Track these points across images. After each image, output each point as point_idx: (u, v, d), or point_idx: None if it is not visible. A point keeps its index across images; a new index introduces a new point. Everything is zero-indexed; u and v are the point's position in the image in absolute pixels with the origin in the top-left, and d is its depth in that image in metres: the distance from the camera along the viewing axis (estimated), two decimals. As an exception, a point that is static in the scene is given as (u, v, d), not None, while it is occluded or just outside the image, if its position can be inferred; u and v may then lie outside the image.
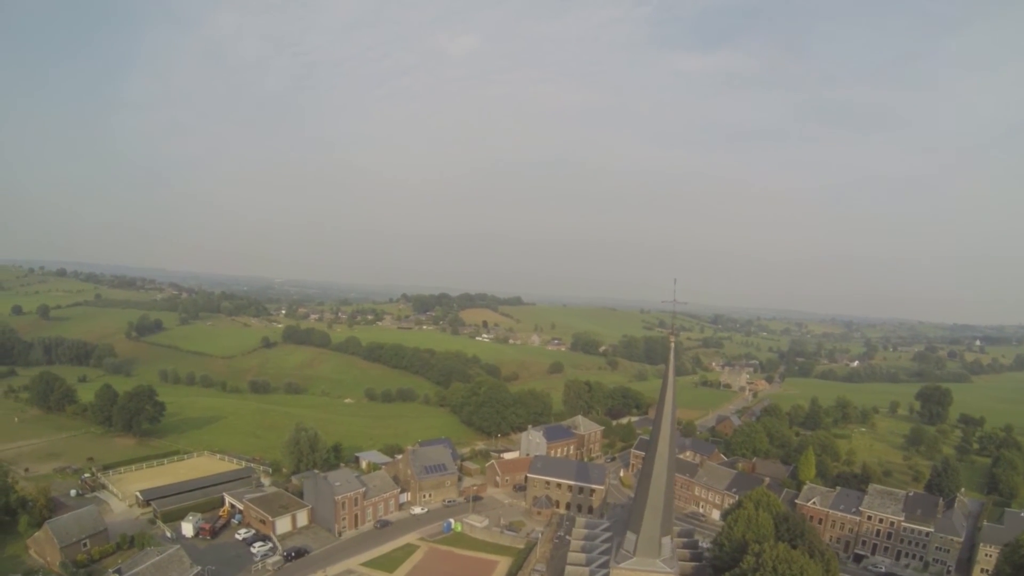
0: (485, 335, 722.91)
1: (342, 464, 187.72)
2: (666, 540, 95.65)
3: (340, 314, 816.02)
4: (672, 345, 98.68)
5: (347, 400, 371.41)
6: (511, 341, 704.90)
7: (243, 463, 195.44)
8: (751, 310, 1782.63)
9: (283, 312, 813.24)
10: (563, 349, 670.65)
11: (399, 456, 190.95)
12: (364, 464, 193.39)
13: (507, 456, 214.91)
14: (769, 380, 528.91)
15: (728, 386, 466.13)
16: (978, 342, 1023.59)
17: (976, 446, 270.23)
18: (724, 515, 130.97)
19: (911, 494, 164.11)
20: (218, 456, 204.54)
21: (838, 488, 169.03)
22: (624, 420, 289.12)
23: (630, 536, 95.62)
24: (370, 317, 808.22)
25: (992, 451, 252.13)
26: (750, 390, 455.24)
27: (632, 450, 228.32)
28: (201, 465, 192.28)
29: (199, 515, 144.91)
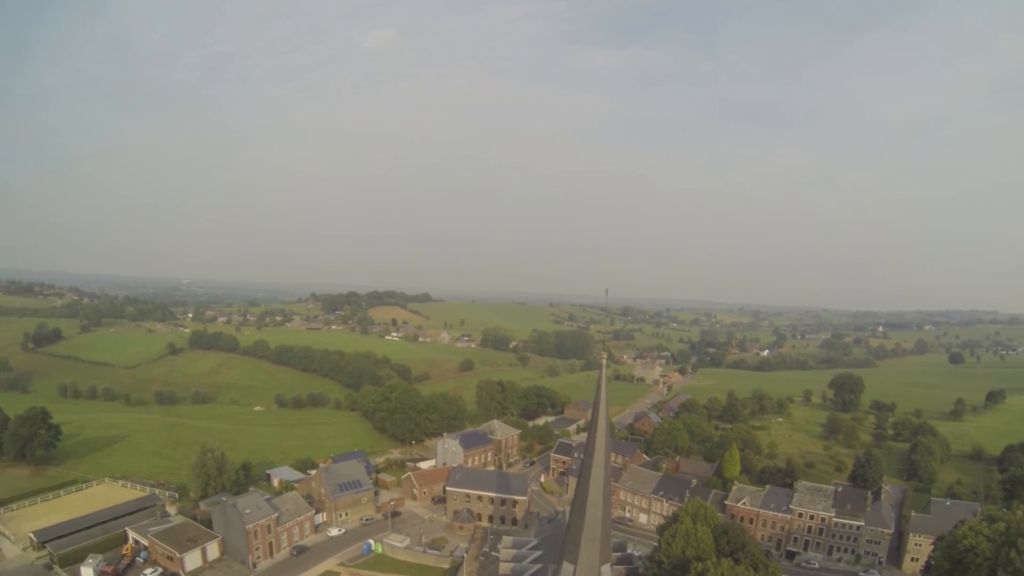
0: (395, 334, 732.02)
1: (251, 488, 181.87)
2: (606, 568, 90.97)
3: (248, 316, 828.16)
4: (604, 362, 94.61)
5: (257, 408, 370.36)
6: (421, 339, 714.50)
7: (147, 489, 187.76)
8: (660, 301, 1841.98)
9: (190, 316, 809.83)
10: (473, 346, 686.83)
11: (312, 472, 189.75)
12: (276, 482, 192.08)
13: (424, 466, 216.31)
14: (682, 372, 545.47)
15: (642, 380, 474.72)
16: (881, 328, 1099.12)
17: (891, 431, 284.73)
18: (661, 530, 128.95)
19: (839, 489, 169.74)
20: (120, 483, 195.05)
21: (767, 487, 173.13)
22: (540, 421, 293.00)
23: (567, 567, 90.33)
24: (279, 318, 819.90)
25: (907, 437, 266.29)
26: (664, 383, 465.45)
27: (552, 454, 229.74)
28: (102, 495, 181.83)
29: (100, 556, 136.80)
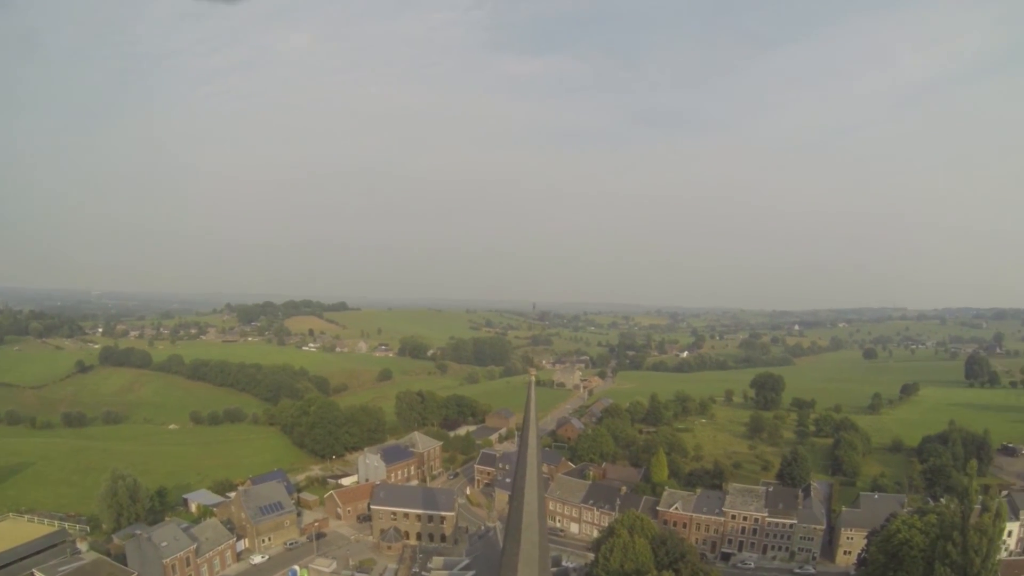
0: (312, 344, 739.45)
1: (168, 516, 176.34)
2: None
3: (162, 329, 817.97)
4: (532, 382, 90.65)
5: (172, 426, 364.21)
6: (338, 349, 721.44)
7: (56, 523, 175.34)
8: (578, 305, 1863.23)
9: (100, 330, 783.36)
10: (391, 355, 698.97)
11: (231, 495, 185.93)
12: (194, 507, 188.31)
13: (346, 482, 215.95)
14: (602, 376, 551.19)
15: (562, 385, 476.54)
16: (796, 327, 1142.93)
17: (812, 428, 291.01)
18: (597, 545, 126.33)
19: (770, 489, 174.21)
20: (26, 517, 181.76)
21: (699, 490, 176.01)
22: (462, 431, 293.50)
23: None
24: (193, 331, 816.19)
25: (829, 432, 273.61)
26: (585, 387, 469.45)
27: (476, 465, 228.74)
28: (5, 532, 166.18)
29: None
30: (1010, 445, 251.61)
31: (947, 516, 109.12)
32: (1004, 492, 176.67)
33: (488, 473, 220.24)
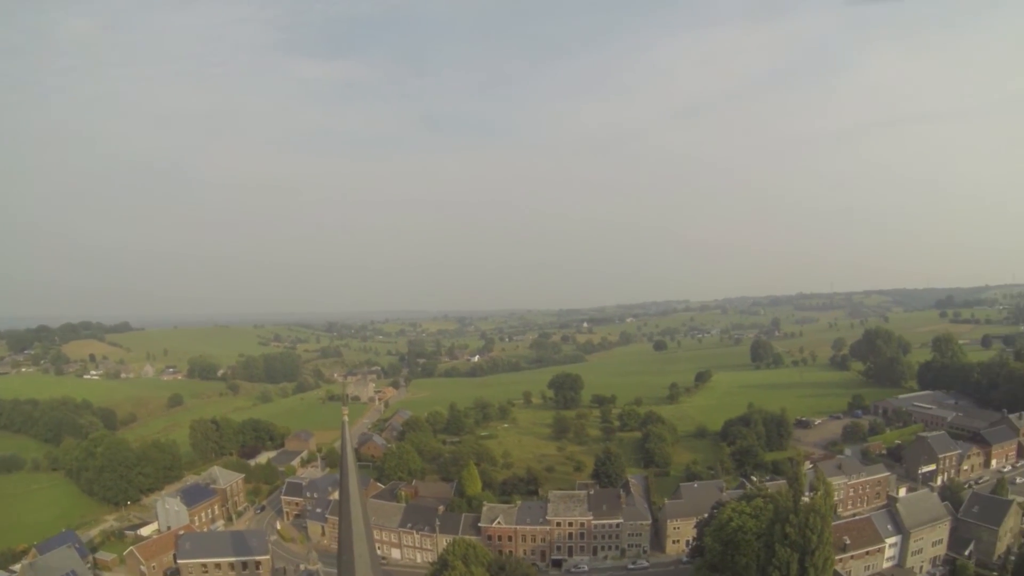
0: (94, 372, 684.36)
1: None
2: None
3: None
4: (345, 423, 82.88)
5: None
6: (124, 375, 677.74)
7: None
8: (364, 314, 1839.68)
9: None
10: (180, 377, 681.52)
11: (15, 569, 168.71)
12: None
13: (146, 532, 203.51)
14: (396, 386, 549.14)
15: (357, 398, 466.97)
16: (585, 324, 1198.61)
17: (617, 423, 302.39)
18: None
19: (592, 492, 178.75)
20: None
21: (519, 502, 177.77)
22: (262, 459, 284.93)
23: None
24: None
25: (635, 426, 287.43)
26: (380, 399, 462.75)
27: (282, 496, 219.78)
28: None
29: None
30: (803, 419, 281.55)
31: (780, 500, 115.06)
32: (809, 465, 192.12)
33: (296, 504, 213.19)
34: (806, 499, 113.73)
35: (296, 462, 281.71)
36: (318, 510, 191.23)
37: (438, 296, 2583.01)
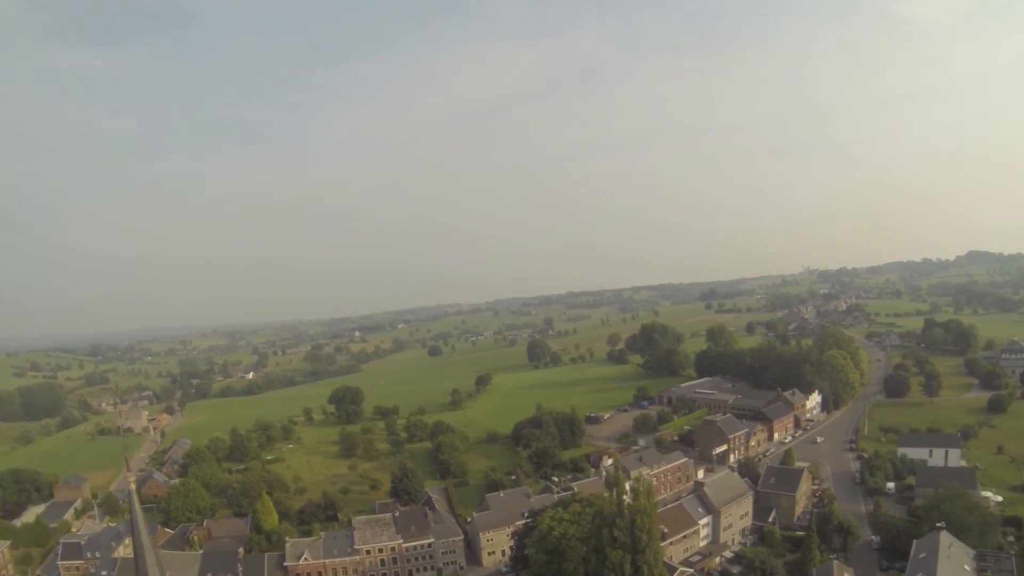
0: None
1: None
2: None
3: None
4: (133, 490, 68.05)
5: None
6: None
7: None
8: (131, 334, 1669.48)
9: None
10: None
11: None
12: None
13: None
14: (170, 411, 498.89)
15: (130, 429, 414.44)
16: (357, 333, 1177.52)
17: (404, 435, 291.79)
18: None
19: (397, 514, 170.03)
20: None
21: (321, 532, 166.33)
22: (29, 516, 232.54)
23: None
24: None
25: (425, 436, 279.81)
26: (155, 428, 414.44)
27: (59, 561, 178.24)
28: None
29: None
30: (593, 415, 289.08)
31: (603, 504, 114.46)
32: (609, 461, 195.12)
33: (77, 568, 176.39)
34: (627, 498, 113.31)
35: (70, 515, 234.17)
36: (103, 573, 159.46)
37: (205, 311, 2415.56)
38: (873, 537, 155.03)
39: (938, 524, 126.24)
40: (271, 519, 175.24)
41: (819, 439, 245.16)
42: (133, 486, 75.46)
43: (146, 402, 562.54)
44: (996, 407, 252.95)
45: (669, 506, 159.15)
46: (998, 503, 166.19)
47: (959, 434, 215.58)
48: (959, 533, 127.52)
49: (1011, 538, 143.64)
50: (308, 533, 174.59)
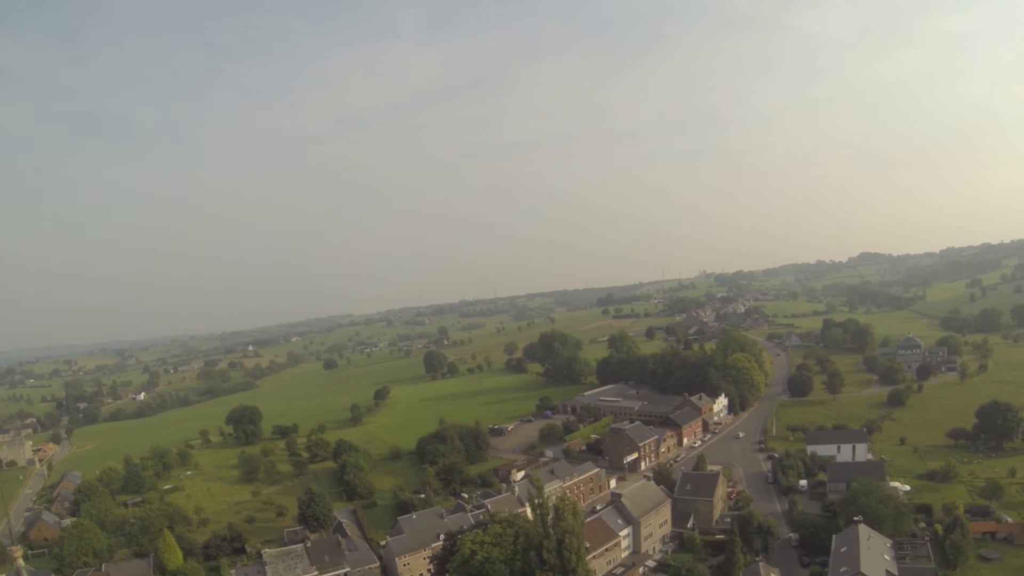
0: None
1: None
2: None
3: None
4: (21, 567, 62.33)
5: None
6: None
7: None
8: (8, 355, 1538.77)
9: None
10: None
11: None
12: None
13: None
14: (57, 440, 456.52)
15: (13, 463, 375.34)
16: (251, 347, 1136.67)
17: (306, 455, 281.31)
18: None
19: (308, 544, 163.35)
20: None
21: (231, 570, 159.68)
22: None
23: None
24: None
25: (325, 456, 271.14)
26: (40, 460, 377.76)
27: None
28: None
29: None
30: (496, 426, 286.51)
31: (528, 527, 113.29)
32: (522, 475, 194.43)
33: None
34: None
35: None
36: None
37: (91, 328, 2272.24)
38: (791, 535, 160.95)
39: (855, 518, 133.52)
40: (175, 558, 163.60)
41: (741, 434, 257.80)
42: (21, 563, 67.88)
43: (30, 430, 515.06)
44: (896, 401, 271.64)
45: (588, 519, 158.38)
46: (906, 492, 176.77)
47: (864, 429, 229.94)
48: (874, 524, 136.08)
49: (923, 525, 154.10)
50: (216, 570, 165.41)
